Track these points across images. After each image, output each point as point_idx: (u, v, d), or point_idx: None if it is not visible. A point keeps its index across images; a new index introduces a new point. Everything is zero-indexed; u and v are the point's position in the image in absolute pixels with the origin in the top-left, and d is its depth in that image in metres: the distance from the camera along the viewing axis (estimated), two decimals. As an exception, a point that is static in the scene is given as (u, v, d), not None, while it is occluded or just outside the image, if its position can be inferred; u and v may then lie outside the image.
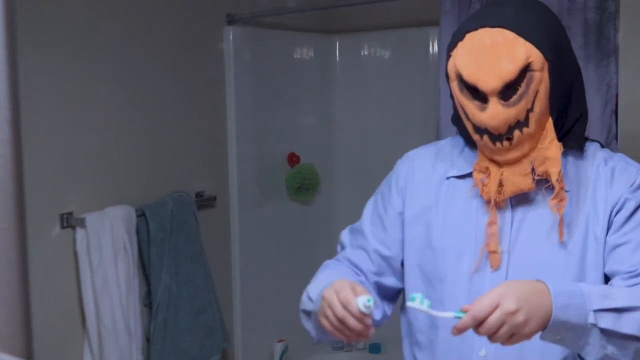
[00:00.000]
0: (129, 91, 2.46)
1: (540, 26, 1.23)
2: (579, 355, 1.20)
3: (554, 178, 1.24)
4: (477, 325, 1.10)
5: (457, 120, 1.36)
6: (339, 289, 1.20)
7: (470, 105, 1.26)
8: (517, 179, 1.27)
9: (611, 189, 1.28)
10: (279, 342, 3.02)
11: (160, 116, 2.57)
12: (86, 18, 2.30)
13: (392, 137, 3.14)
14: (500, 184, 1.28)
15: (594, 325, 1.13)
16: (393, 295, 1.46)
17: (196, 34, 2.72)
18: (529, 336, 1.12)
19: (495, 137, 1.25)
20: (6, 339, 0.56)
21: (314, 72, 3.26)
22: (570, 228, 1.27)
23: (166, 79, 2.58)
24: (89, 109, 2.32)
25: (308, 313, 1.36)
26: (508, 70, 1.20)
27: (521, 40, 1.21)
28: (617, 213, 1.26)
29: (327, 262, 1.48)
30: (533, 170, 1.26)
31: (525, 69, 1.21)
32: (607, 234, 1.26)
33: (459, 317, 1.12)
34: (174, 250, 2.52)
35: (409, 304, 1.17)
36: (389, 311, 1.44)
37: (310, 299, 1.33)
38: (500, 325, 1.09)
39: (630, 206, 1.26)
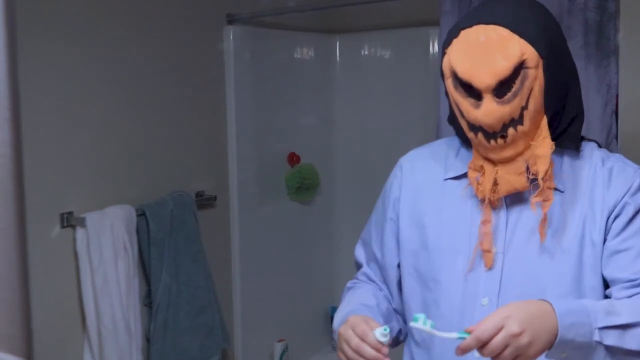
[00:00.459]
0: (129, 91, 2.46)
1: (536, 24, 1.22)
2: None
3: (540, 176, 1.23)
4: (481, 346, 1.10)
5: (453, 120, 1.36)
6: (354, 324, 1.23)
7: (464, 103, 1.25)
8: (512, 177, 1.26)
9: (609, 190, 1.27)
10: (279, 342, 3.02)
11: (160, 116, 2.57)
12: (86, 18, 2.30)
13: (392, 137, 3.14)
14: (495, 183, 1.27)
15: (599, 342, 1.13)
16: None
17: (196, 34, 2.72)
18: (534, 357, 1.12)
19: (490, 135, 1.24)
20: (6, 339, 0.56)
21: (314, 72, 3.26)
22: (566, 229, 1.26)
23: (166, 79, 2.58)
24: (89, 108, 2.32)
25: None
26: (502, 67, 1.19)
27: (516, 37, 1.20)
28: (615, 218, 1.25)
29: (349, 284, 1.51)
30: (528, 169, 1.25)
31: (520, 66, 1.20)
32: (605, 237, 1.25)
33: (463, 338, 1.12)
34: (174, 250, 2.52)
35: (411, 324, 1.17)
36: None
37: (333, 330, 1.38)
38: (505, 347, 1.09)
39: (630, 211, 1.25)
